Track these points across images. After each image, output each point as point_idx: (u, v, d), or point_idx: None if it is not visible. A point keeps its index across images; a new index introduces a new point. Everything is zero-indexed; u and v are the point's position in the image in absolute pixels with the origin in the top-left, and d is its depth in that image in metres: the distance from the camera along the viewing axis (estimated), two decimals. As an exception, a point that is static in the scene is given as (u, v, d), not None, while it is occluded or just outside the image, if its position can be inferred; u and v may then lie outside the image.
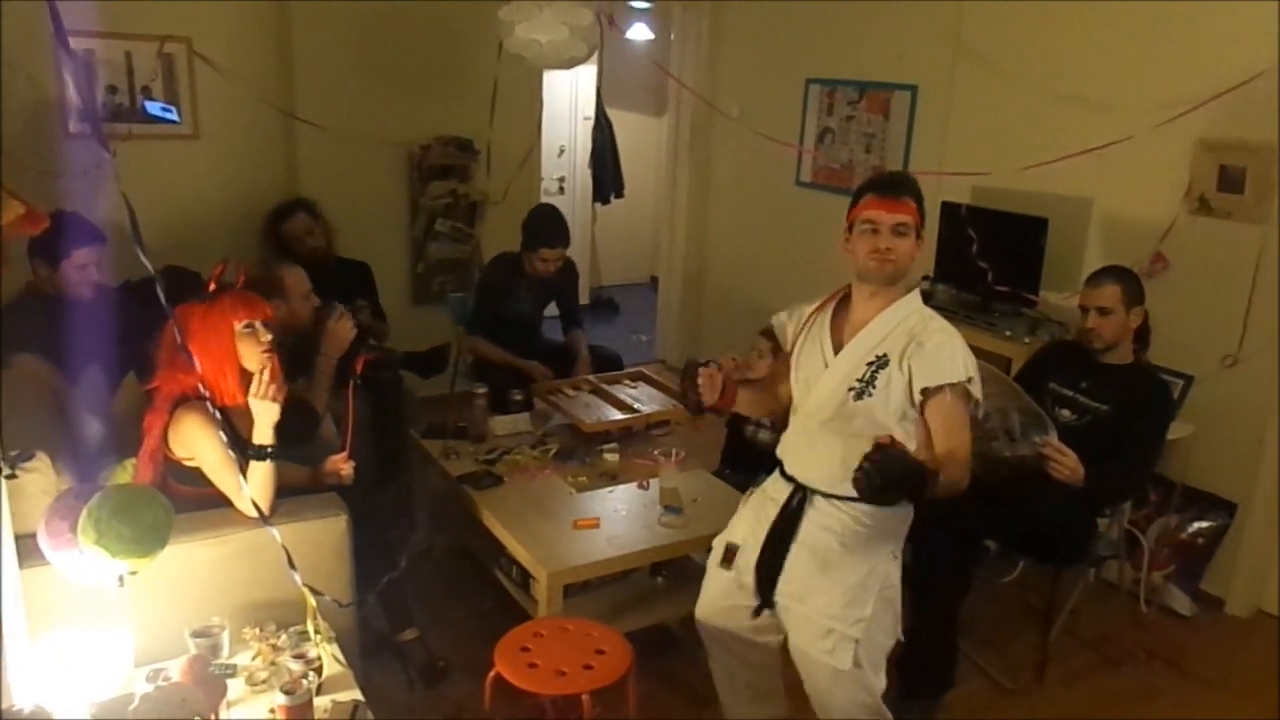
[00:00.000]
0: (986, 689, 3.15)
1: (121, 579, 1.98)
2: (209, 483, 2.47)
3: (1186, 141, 3.56)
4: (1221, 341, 3.55)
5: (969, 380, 2.14)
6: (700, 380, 2.30)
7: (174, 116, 4.42)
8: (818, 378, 2.27)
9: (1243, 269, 3.47)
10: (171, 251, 3.48)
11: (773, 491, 2.38)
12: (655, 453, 3.29)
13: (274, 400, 2.44)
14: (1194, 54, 3.55)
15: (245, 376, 2.48)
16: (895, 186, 2.19)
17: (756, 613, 2.38)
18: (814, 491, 2.27)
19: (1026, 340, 3.79)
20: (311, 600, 2.17)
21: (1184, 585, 3.65)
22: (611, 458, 3.44)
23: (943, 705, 2.97)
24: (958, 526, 2.82)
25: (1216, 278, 3.57)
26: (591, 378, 4.04)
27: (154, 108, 4.38)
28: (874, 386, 2.17)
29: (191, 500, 2.43)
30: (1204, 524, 3.66)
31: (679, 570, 3.19)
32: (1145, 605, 3.63)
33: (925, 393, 2.13)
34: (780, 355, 2.58)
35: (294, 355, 2.99)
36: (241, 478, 2.37)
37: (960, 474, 2.09)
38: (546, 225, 4.12)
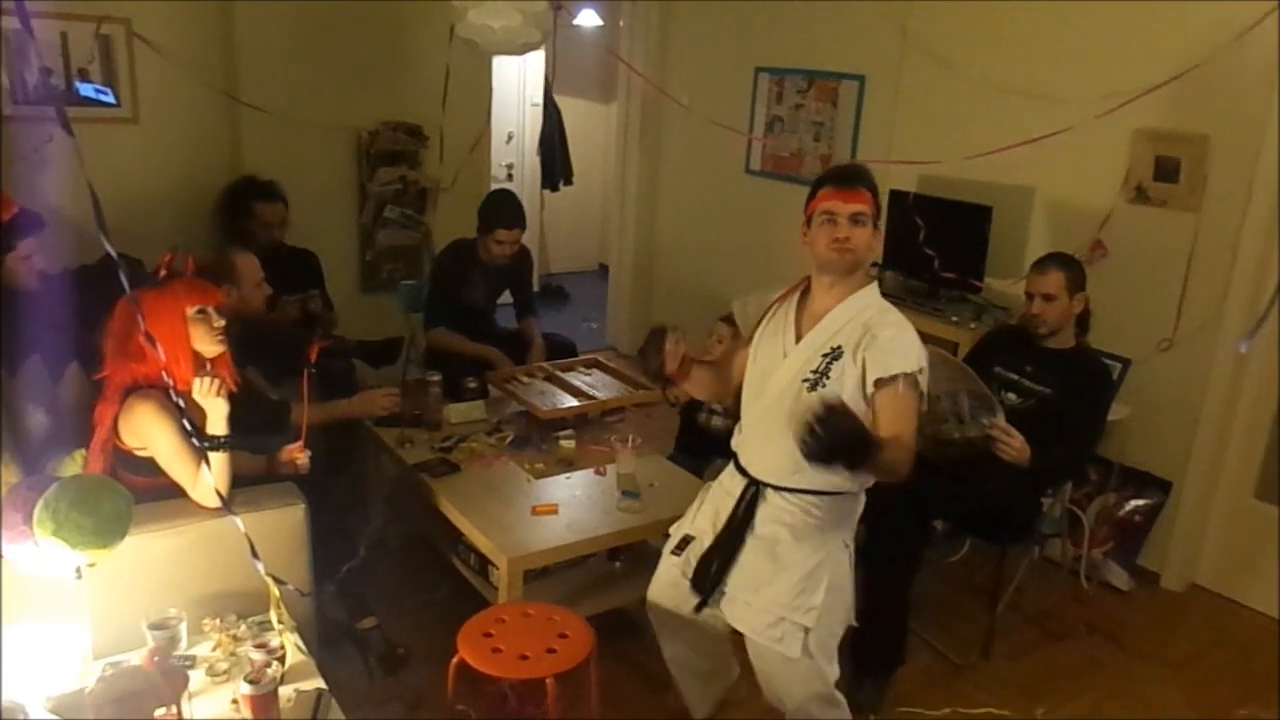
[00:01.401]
0: (936, 665, 3.23)
1: (79, 571, 1.94)
2: (161, 472, 2.43)
3: (1124, 132, 3.67)
4: (1157, 326, 3.67)
5: (920, 371, 2.18)
6: (666, 345, 2.32)
7: (109, 98, 4.31)
8: (775, 368, 2.30)
9: (1177, 256, 3.59)
10: (109, 238, 3.38)
11: (729, 485, 2.41)
12: (612, 439, 3.31)
13: (218, 396, 2.42)
14: (1132, 47, 3.65)
15: (199, 362, 2.46)
16: (851, 178, 2.23)
17: (698, 609, 2.41)
18: (766, 485, 2.31)
19: (972, 325, 3.88)
20: (275, 590, 2.15)
21: (1122, 561, 3.78)
22: (568, 444, 3.46)
23: (893, 682, 3.04)
24: (909, 507, 2.89)
25: (1152, 264, 3.69)
26: (546, 365, 4.03)
27: (87, 89, 4.26)
28: (828, 378, 2.20)
29: (143, 491, 2.38)
30: (1141, 502, 3.79)
31: (636, 555, 3.21)
32: (1086, 581, 3.75)
33: (879, 383, 2.16)
34: (738, 340, 2.61)
35: (242, 343, 2.95)
36: (196, 467, 2.35)
37: (904, 458, 2.10)
38: (504, 206, 4.12)
